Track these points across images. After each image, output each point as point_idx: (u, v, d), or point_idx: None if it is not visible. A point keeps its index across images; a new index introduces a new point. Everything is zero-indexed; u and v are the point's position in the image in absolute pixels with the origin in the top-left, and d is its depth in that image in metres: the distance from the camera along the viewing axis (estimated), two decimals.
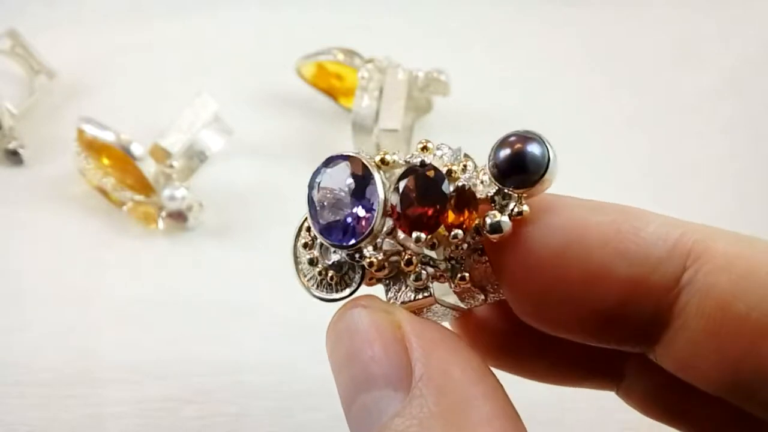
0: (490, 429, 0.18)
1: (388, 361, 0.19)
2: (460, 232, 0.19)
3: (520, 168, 0.19)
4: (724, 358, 0.19)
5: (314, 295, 0.22)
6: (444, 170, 0.20)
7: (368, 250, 0.20)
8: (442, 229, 0.20)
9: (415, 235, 0.19)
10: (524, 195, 0.19)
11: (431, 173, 0.20)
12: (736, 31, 0.57)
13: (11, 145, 0.47)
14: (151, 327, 0.38)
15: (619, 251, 0.20)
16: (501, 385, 0.19)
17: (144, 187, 0.43)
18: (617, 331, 0.21)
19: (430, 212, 0.19)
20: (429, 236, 0.19)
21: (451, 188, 0.20)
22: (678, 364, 0.21)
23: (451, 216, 0.20)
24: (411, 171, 0.20)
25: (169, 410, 0.35)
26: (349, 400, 0.20)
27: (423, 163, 0.20)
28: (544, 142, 0.19)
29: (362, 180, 0.20)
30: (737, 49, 0.55)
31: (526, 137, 0.19)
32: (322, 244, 0.21)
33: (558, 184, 0.20)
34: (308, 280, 0.22)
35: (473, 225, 0.20)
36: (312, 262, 0.21)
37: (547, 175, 0.19)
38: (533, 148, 0.19)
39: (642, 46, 0.56)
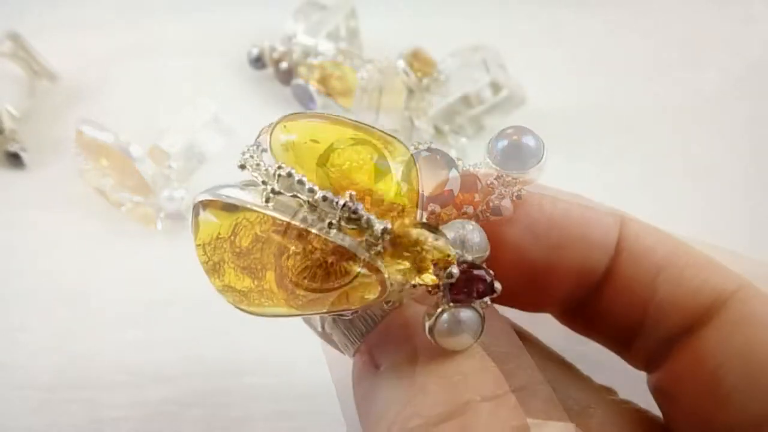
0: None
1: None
2: (470, 207, 0.21)
3: (520, 154, 0.21)
4: (700, 352, 0.20)
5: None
6: None
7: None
8: (444, 215, 0.21)
9: (430, 207, 0.20)
10: (521, 181, 0.21)
11: (440, 156, 0.21)
12: (738, 31, 0.57)
13: (12, 148, 0.47)
14: (151, 329, 0.38)
15: (601, 243, 0.21)
16: (504, 378, 0.19)
17: (143, 188, 0.43)
18: (597, 327, 0.22)
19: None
20: (440, 212, 0.20)
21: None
22: (653, 362, 0.21)
23: (460, 196, 0.21)
24: (421, 154, 0.21)
25: (169, 413, 0.35)
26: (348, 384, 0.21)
27: (430, 149, 0.21)
28: (537, 135, 0.21)
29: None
30: (740, 50, 0.55)
31: (522, 129, 0.21)
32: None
33: (557, 184, 0.20)
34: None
35: (478, 207, 0.21)
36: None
37: (542, 162, 0.21)
38: (529, 139, 0.21)
39: (643, 46, 0.56)
